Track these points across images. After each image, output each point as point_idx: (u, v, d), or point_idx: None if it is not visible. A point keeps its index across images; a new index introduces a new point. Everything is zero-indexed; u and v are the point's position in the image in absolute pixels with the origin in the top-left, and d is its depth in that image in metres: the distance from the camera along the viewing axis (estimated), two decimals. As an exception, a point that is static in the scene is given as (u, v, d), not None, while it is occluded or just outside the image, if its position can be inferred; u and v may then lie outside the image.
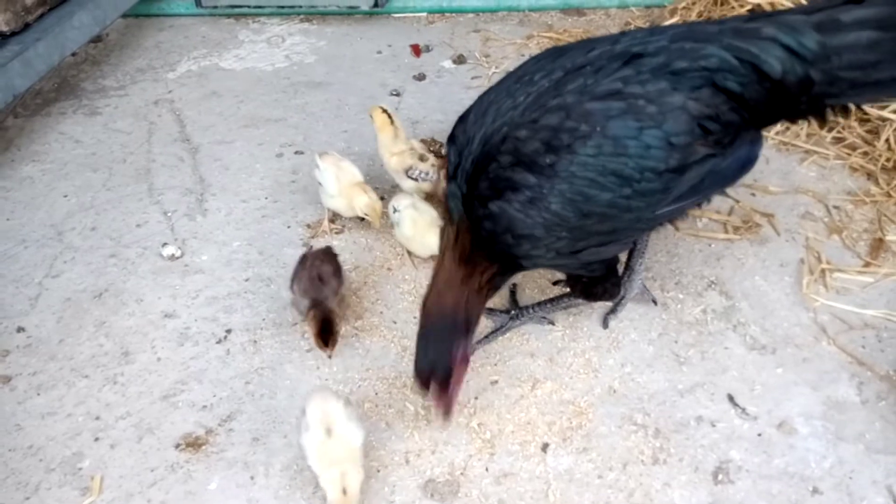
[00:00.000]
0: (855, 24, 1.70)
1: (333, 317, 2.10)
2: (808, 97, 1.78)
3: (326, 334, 2.07)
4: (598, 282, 2.07)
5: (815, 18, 1.73)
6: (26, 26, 3.07)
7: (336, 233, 2.59)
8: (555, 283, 2.39)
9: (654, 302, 2.33)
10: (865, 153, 2.83)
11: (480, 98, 1.93)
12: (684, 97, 1.72)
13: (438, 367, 1.83)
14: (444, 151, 2.90)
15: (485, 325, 2.22)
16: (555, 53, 1.88)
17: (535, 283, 2.40)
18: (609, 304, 2.28)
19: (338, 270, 2.25)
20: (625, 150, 1.70)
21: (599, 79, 1.74)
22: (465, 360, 1.90)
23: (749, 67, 1.73)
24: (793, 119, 1.96)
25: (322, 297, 2.13)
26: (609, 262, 2.04)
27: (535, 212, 1.74)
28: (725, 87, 1.74)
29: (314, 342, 2.09)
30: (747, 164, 1.91)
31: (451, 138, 1.93)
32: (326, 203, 2.56)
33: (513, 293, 2.35)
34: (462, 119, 1.93)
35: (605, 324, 2.26)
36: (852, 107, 1.87)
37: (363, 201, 2.43)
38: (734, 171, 1.90)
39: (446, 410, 1.88)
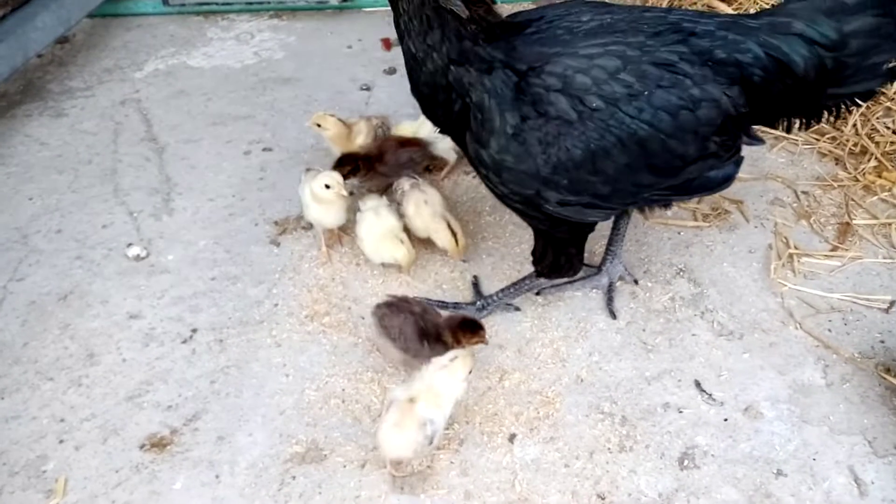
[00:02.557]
0: (859, 6, 1.75)
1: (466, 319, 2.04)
2: (820, 88, 1.81)
3: (473, 326, 2.02)
4: (563, 252, 2.04)
5: (825, 5, 1.77)
6: (-12, 28, 3.03)
7: (304, 228, 2.57)
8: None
9: (636, 282, 2.35)
10: (833, 138, 2.84)
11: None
12: (721, 91, 1.74)
13: None
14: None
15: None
16: (603, 3, 1.89)
17: (504, 275, 2.39)
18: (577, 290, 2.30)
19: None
20: (659, 122, 1.71)
21: (658, 44, 1.74)
22: None
23: (777, 65, 1.76)
24: (799, 114, 1.95)
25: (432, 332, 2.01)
26: (579, 230, 2.02)
27: (554, 150, 1.72)
28: (751, 82, 1.76)
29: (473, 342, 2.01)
30: (728, 179, 1.94)
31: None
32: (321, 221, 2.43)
33: (476, 285, 2.35)
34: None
35: (613, 315, 2.25)
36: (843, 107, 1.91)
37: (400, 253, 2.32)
38: (719, 182, 1.93)
39: None
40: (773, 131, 2.90)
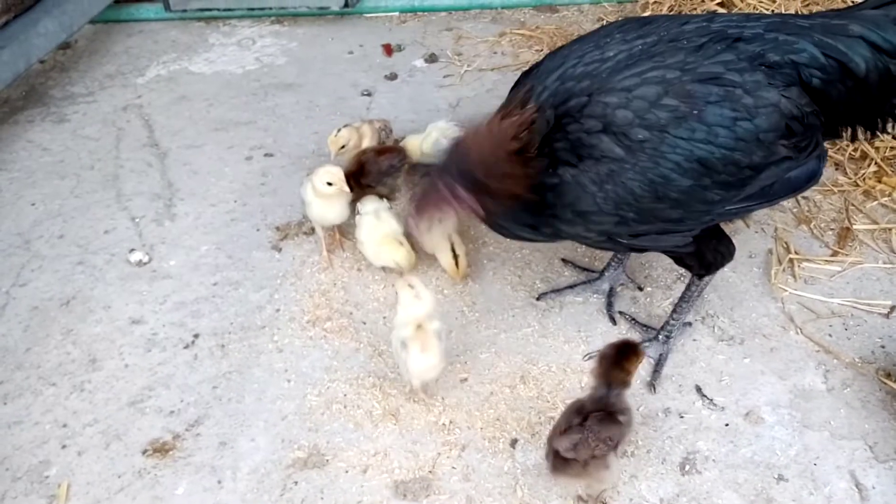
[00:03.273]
0: None
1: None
2: (886, 97, 1.79)
3: (628, 353, 1.82)
4: (706, 249, 1.96)
5: (892, 13, 1.76)
6: (-9, 34, 3.04)
7: (305, 234, 2.58)
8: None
9: (640, 288, 2.35)
10: (833, 143, 2.85)
11: (554, 52, 1.90)
12: (778, 94, 1.71)
13: (429, 186, 1.80)
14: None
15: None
16: (641, 21, 1.85)
17: (505, 280, 2.39)
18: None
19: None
20: (715, 138, 1.69)
21: (700, 58, 1.71)
22: (449, 198, 1.79)
23: (836, 65, 1.74)
24: (862, 125, 1.92)
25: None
26: (713, 230, 1.96)
27: (611, 186, 1.70)
28: (810, 84, 1.74)
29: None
30: (814, 176, 1.89)
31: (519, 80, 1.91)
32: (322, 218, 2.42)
33: (634, 320, 2.25)
34: (533, 69, 1.90)
35: (612, 321, 2.26)
36: None
37: (399, 255, 2.33)
38: (802, 181, 1.88)
39: (415, 218, 1.87)
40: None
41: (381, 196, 2.54)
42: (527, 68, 1.96)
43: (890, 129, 1.92)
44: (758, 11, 3.24)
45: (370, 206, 2.40)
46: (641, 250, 1.96)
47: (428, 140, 2.62)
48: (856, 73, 1.74)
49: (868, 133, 1.94)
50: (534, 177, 1.76)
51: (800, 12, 3.21)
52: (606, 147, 1.69)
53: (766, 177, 1.79)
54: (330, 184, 2.32)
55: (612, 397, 1.75)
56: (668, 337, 2.14)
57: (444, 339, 1.98)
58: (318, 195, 2.35)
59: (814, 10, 3.20)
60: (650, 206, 1.74)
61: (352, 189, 2.40)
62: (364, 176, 2.52)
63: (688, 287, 2.12)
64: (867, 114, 1.88)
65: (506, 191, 1.76)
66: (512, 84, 2.01)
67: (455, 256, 2.31)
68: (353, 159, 2.57)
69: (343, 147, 2.59)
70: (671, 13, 3.55)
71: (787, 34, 1.76)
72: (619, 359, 1.79)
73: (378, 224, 2.35)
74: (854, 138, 1.95)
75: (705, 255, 1.99)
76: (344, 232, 2.52)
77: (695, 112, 1.68)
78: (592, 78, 1.74)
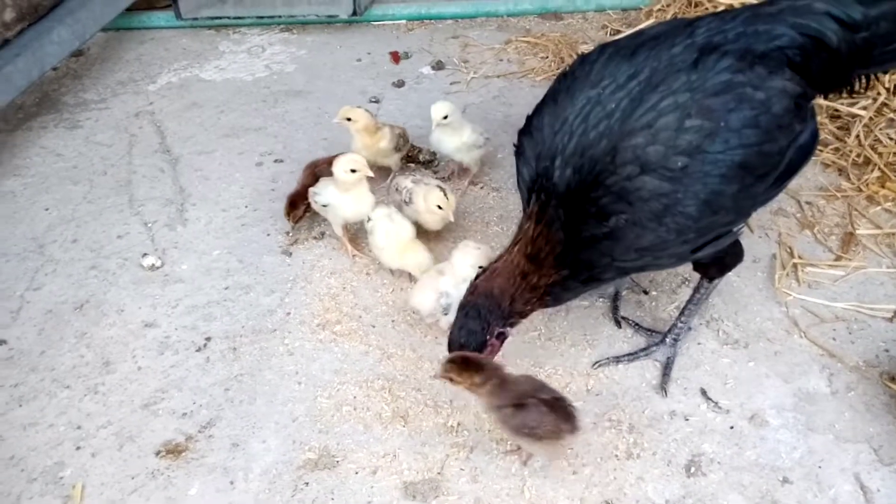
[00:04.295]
0: None
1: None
2: (852, 64, 1.87)
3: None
4: (722, 254, 1.99)
5: None
6: (6, 42, 3.10)
7: (315, 238, 2.62)
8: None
9: (645, 292, 2.38)
10: (837, 149, 2.87)
11: (545, 108, 1.90)
12: (781, 79, 1.77)
13: (470, 343, 1.87)
14: (421, 157, 2.95)
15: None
16: (623, 54, 1.86)
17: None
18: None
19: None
20: (748, 139, 1.73)
21: (704, 73, 1.75)
22: (496, 345, 1.93)
23: (811, 41, 1.81)
24: (835, 89, 2.01)
25: None
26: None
27: (670, 218, 1.73)
28: (795, 63, 1.80)
29: None
30: (816, 134, 1.95)
31: (520, 152, 1.93)
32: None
33: (639, 325, 2.29)
34: (527, 131, 1.92)
35: (617, 324, 2.28)
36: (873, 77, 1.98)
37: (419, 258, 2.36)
38: (810, 143, 1.93)
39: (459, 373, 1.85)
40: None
41: None
42: (522, 128, 1.96)
43: (859, 88, 2.01)
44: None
45: (381, 211, 2.43)
46: (697, 260, 1.99)
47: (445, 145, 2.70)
48: (830, 46, 1.82)
49: (843, 92, 2.03)
50: (554, 274, 1.87)
51: None
52: (653, 186, 1.71)
53: (789, 155, 1.85)
54: (353, 171, 2.36)
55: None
56: (675, 340, 2.16)
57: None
58: (343, 189, 2.38)
59: None
60: (708, 222, 1.78)
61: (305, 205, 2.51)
62: None
63: (696, 290, 2.15)
64: (840, 78, 1.95)
65: (538, 299, 1.91)
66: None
67: (443, 191, 2.40)
68: (308, 172, 2.65)
69: (349, 119, 2.64)
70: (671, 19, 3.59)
71: (764, 24, 1.82)
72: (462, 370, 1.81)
73: (393, 227, 2.37)
74: (826, 97, 2.05)
75: (724, 258, 2.03)
76: (354, 239, 2.56)
77: (721, 124, 1.71)
78: (608, 136, 1.75)
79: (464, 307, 1.91)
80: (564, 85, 1.90)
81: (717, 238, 1.86)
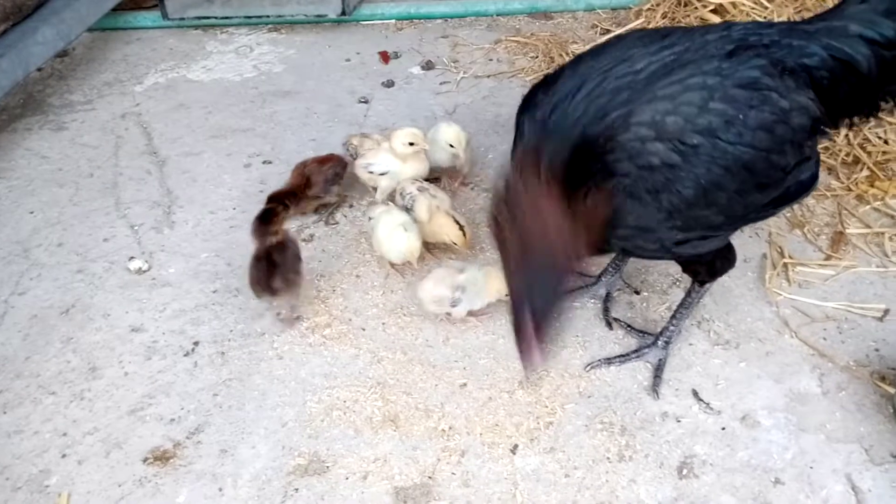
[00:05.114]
0: None
1: None
2: (883, 84, 1.84)
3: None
4: (715, 257, 1.99)
5: (883, 6, 1.81)
6: (-11, 43, 3.05)
7: (304, 241, 2.60)
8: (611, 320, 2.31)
9: (637, 292, 2.38)
10: (826, 148, 2.87)
11: (572, 65, 1.85)
12: (807, 97, 1.76)
13: (545, 311, 1.74)
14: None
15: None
16: (654, 34, 1.83)
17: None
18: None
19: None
20: (760, 142, 1.70)
21: (735, 64, 1.72)
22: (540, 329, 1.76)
23: (841, 65, 1.79)
24: (861, 114, 1.97)
25: None
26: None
27: (666, 195, 1.69)
28: (821, 85, 1.78)
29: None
30: (816, 176, 1.93)
31: (530, 104, 1.84)
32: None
33: (630, 327, 2.27)
34: (544, 82, 1.86)
35: (609, 325, 2.27)
36: None
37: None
38: (808, 182, 1.91)
39: (535, 356, 1.77)
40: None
41: (327, 206, 2.68)
42: (535, 85, 1.90)
43: (886, 108, 1.96)
44: (751, 18, 3.27)
45: (377, 210, 2.42)
46: (677, 258, 1.96)
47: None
48: (860, 71, 1.80)
49: (865, 118, 1.98)
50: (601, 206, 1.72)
51: (792, 18, 3.24)
52: (665, 155, 1.67)
53: (790, 178, 1.83)
54: (412, 143, 2.47)
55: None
56: (667, 342, 2.16)
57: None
58: (400, 157, 2.53)
59: (805, 16, 3.24)
60: (698, 214, 1.74)
61: (296, 204, 2.51)
62: (311, 187, 2.59)
63: (688, 294, 2.14)
64: (867, 102, 1.92)
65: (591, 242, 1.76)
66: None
67: (461, 227, 2.38)
68: (298, 172, 2.63)
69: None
70: (664, 19, 3.58)
71: (799, 40, 1.81)
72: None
73: (392, 217, 2.37)
74: (851, 126, 2.00)
75: (715, 262, 2.02)
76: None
77: (740, 116, 1.69)
78: (630, 89, 1.71)
79: (523, 271, 1.72)
80: (590, 51, 1.88)
81: (701, 239, 1.84)
